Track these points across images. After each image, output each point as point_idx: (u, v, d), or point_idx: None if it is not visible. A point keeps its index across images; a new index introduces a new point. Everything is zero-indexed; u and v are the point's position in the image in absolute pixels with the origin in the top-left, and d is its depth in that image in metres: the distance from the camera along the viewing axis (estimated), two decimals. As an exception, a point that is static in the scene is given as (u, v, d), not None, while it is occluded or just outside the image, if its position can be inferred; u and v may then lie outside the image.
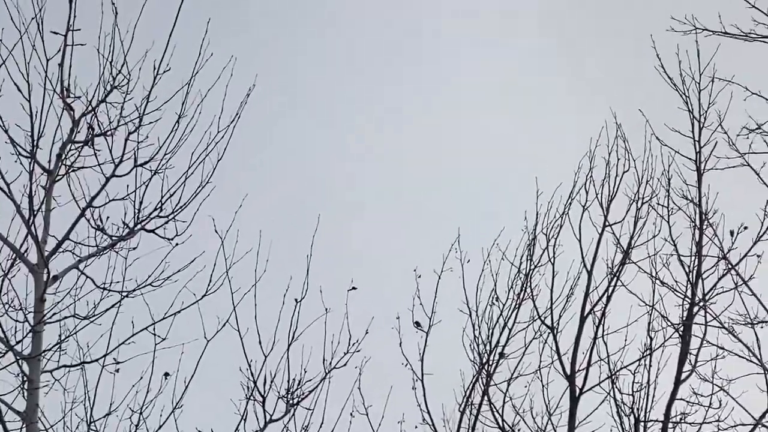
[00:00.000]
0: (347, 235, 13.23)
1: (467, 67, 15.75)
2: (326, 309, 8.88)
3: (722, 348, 10.73)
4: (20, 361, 7.87)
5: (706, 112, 10.95)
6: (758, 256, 10.59)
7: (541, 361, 10.47)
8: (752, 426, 10.32)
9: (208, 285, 8.30)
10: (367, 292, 9.32)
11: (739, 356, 10.72)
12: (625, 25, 14.52)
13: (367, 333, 9.01)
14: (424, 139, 15.26)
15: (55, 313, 7.99)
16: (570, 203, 10.77)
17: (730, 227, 10.65)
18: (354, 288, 9.20)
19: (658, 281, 10.58)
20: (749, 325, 10.69)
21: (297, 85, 15.64)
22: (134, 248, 8.26)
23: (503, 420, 10.41)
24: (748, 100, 11.23)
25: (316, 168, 15.14)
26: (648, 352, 10.41)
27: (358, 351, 9.01)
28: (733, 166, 11.11)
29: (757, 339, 10.50)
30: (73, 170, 8.18)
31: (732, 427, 10.36)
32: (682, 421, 10.42)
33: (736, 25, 11.57)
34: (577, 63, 14.87)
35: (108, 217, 8.22)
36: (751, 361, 10.65)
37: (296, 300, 8.87)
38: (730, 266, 10.67)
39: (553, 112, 14.32)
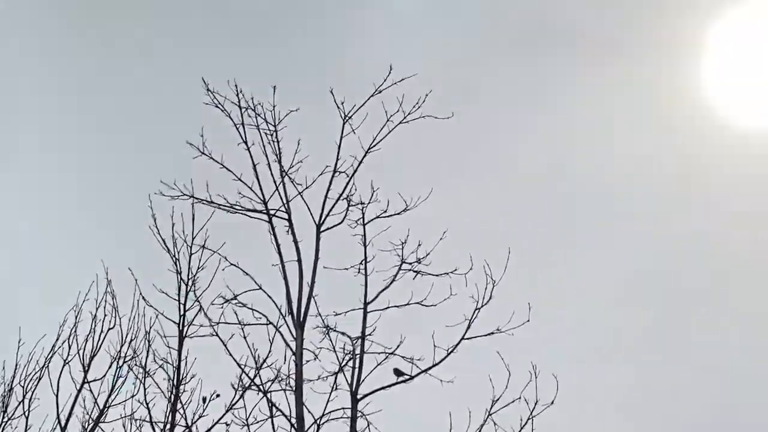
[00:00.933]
0: None
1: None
2: None
3: None
4: None
5: (194, 276, 13.32)
6: (227, 424, 12.95)
7: None
8: None
9: None
10: None
11: None
12: (118, 181, 16.50)
13: None
14: None
15: None
16: (51, 356, 12.39)
17: (205, 393, 13.00)
18: None
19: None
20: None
21: None
22: None
23: None
24: (228, 270, 13.84)
25: None
26: None
27: None
28: (203, 336, 13.42)
29: None
30: None
31: None
32: None
33: (223, 196, 14.17)
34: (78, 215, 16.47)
35: None
36: None
37: None
38: (196, 433, 12.96)
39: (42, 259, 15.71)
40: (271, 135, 14.38)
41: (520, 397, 13.16)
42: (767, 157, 22.86)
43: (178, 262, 13.29)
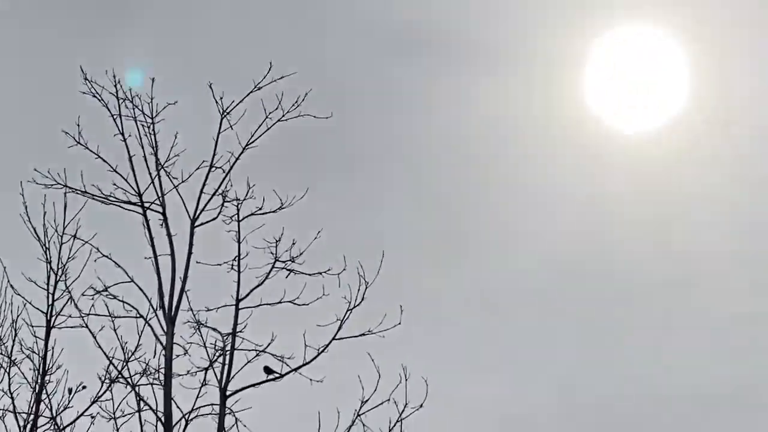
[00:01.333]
0: None
1: None
2: None
3: None
4: None
5: (64, 266, 13.50)
6: (92, 416, 13.19)
7: None
8: None
9: None
10: None
11: None
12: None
13: None
14: None
15: None
16: None
17: (71, 384, 13.19)
18: None
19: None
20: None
21: None
22: None
23: None
24: (100, 260, 14.05)
25: None
26: None
27: None
28: (73, 327, 13.68)
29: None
30: None
31: None
32: None
33: (98, 186, 14.34)
34: None
35: None
36: None
37: None
38: (57, 427, 13.13)
39: None
40: (148, 127, 14.55)
41: (389, 399, 13.56)
42: (646, 157, 24.13)
43: (48, 252, 13.49)
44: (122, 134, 14.53)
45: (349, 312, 14.01)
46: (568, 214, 25.00)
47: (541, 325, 24.57)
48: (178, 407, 13.55)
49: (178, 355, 13.83)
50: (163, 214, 14.36)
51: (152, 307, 13.88)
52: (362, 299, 14.02)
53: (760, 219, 24.48)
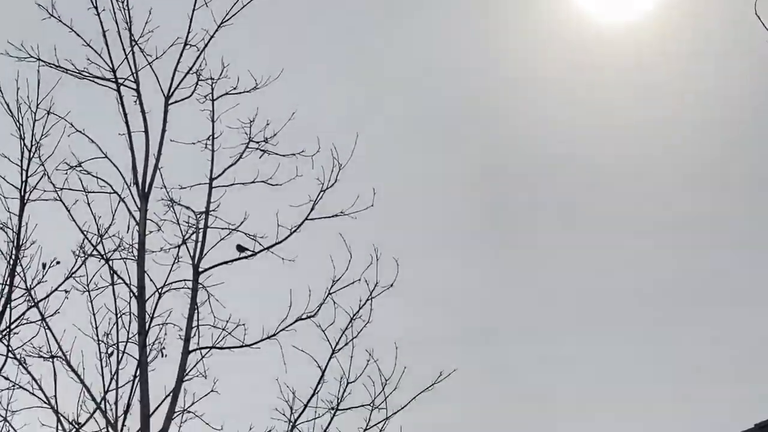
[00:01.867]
0: None
1: None
2: None
3: (7, 379, 13.28)
4: None
5: (38, 142, 13.45)
6: (66, 291, 13.31)
7: None
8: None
9: None
10: None
11: (26, 389, 13.35)
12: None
13: None
14: None
15: None
16: None
17: (45, 260, 13.31)
18: None
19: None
20: (42, 359, 13.38)
21: None
22: None
23: None
24: (74, 137, 14.06)
25: None
26: None
27: None
28: (47, 200, 13.68)
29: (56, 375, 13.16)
30: None
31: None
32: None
33: (71, 61, 14.25)
34: None
35: None
36: (34, 394, 13.33)
37: None
38: (32, 300, 13.27)
39: None
40: (122, 2, 14.40)
41: (360, 279, 13.74)
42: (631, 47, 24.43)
43: (21, 128, 13.48)
44: (96, 8, 14.38)
45: (322, 193, 14.10)
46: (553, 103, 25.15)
47: (524, 210, 24.89)
48: (151, 281, 13.71)
49: (151, 231, 13.96)
50: (137, 90, 14.33)
51: (126, 184, 13.96)
52: (335, 181, 14.10)
53: (736, 104, 24.76)
